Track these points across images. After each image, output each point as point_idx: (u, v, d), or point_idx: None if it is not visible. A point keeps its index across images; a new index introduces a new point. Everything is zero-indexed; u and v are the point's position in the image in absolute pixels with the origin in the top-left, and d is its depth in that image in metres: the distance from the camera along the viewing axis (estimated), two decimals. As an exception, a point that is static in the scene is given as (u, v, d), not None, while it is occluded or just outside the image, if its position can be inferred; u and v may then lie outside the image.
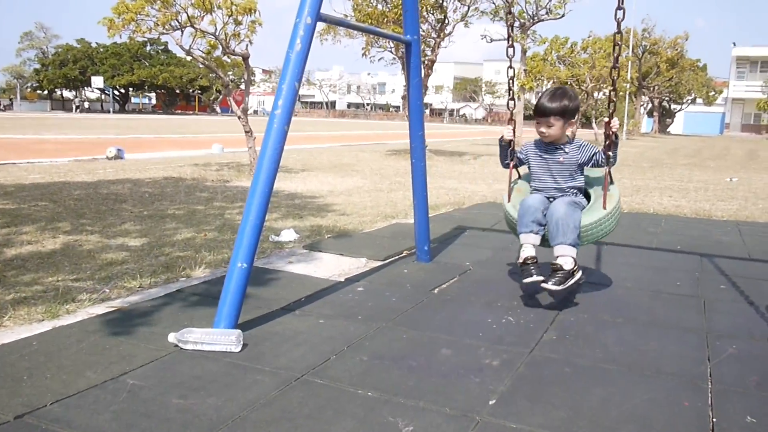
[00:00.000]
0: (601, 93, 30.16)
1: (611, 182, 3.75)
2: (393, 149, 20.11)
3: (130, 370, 2.61)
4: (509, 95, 4.03)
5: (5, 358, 2.68)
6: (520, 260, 3.64)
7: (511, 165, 3.99)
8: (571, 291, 3.99)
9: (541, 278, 3.51)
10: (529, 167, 3.97)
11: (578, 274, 3.57)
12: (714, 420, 2.33)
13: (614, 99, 3.65)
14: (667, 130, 60.98)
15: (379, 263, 4.67)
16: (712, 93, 59.91)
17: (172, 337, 2.89)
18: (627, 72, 33.05)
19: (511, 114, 4.05)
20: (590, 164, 3.78)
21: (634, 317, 3.55)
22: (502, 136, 3.98)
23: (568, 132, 3.78)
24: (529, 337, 3.17)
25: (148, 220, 6.14)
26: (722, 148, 31.49)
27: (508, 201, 3.98)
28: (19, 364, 2.62)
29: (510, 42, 4.07)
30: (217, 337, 2.85)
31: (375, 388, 2.51)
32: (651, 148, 27.70)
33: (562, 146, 3.78)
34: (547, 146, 3.83)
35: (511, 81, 3.99)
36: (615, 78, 3.61)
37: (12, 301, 3.44)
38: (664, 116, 60.58)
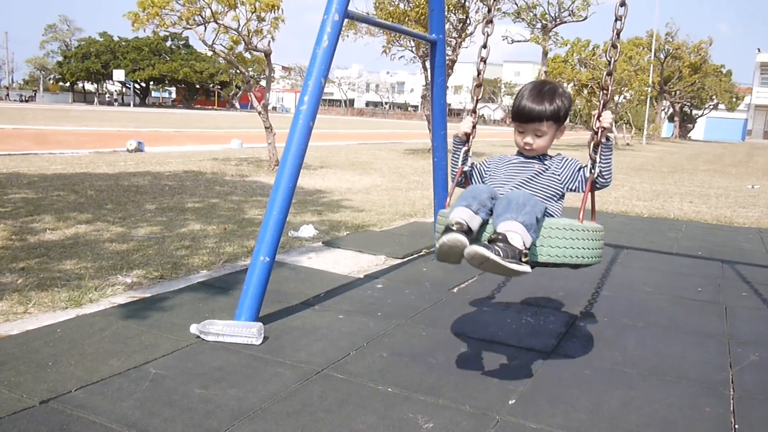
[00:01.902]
0: (621, 96, 29.94)
1: (593, 207, 2.78)
2: (411, 148, 20.11)
3: (152, 359, 2.64)
4: (475, 81, 3.05)
5: (30, 344, 2.73)
6: (447, 225, 2.41)
7: (460, 170, 2.93)
8: (591, 294, 3.98)
9: (464, 240, 2.29)
10: (487, 180, 2.88)
11: (526, 267, 2.27)
12: (736, 427, 2.31)
13: (609, 85, 2.74)
14: (688, 135, 60.36)
15: (398, 261, 4.68)
16: (735, 99, 59.21)
17: (194, 328, 2.92)
18: (648, 76, 32.75)
19: (476, 103, 3.08)
20: (573, 183, 2.74)
21: (654, 322, 3.52)
22: (457, 132, 2.97)
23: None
24: (548, 337, 3.16)
25: (168, 212, 6.19)
26: (744, 154, 31.14)
27: (447, 207, 2.79)
28: (43, 351, 2.66)
29: (489, 16, 3.15)
30: (238, 329, 2.87)
31: (395, 384, 2.52)
32: (671, 153, 27.45)
33: (540, 157, 2.82)
34: (521, 155, 2.85)
35: (481, 62, 3.04)
36: (613, 59, 2.75)
37: (36, 289, 3.49)
38: (685, 121, 59.98)
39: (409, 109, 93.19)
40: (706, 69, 48.97)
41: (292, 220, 5.96)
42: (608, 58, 2.76)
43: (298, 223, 5.78)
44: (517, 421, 2.26)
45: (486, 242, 2.31)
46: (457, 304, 3.67)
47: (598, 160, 2.66)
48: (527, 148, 2.78)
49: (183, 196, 7.32)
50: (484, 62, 3.03)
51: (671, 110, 56.82)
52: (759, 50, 65.05)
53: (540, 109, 2.70)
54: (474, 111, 3.04)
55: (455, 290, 3.97)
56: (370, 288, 3.91)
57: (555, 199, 2.75)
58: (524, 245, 2.31)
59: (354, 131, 34.01)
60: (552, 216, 2.65)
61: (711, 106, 59.40)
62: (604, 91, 2.74)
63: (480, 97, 3.08)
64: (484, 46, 3.03)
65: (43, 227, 5.13)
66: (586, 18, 26.26)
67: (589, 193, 2.70)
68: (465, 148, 2.94)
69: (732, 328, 3.46)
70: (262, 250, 3.12)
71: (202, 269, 4.14)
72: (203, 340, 2.87)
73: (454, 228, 2.35)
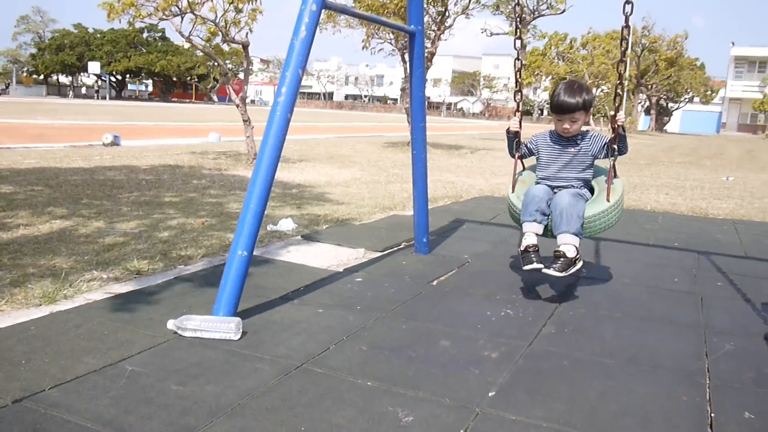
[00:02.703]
0: (599, 90, 30.18)
1: (615, 175, 3.77)
2: (390, 141, 20.08)
3: (128, 356, 2.60)
4: (516, 87, 4.09)
5: (2, 342, 2.67)
6: (521, 248, 3.62)
7: (517, 156, 3.97)
8: (569, 285, 4.01)
9: (541, 265, 3.48)
10: (537, 158, 3.96)
11: (579, 263, 3.57)
12: (712, 415, 2.33)
13: (620, 92, 3.71)
14: (664, 128, 60.99)
15: (378, 254, 4.66)
16: (710, 92, 59.96)
17: (171, 324, 2.88)
18: (626, 69, 33.07)
19: (518, 106, 4.09)
20: (602, 155, 3.77)
21: (632, 312, 3.55)
22: (508, 128, 3.98)
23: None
24: (527, 330, 3.17)
25: (145, 206, 6.12)
26: (718, 147, 31.57)
27: (512, 191, 3.96)
28: (16, 349, 2.61)
29: (518, 34, 4.10)
30: (216, 325, 2.84)
31: (374, 377, 2.51)
32: (648, 146, 27.73)
33: (575, 138, 3.80)
34: (560, 137, 3.83)
35: (518, 73, 4.03)
36: (622, 72, 3.72)
37: (9, 286, 3.42)
38: (661, 114, 60.59)
39: (389, 102, 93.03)
40: (682, 63, 49.53)
41: (271, 214, 5.92)
42: (619, 72, 3.73)
43: (277, 217, 5.74)
44: (497, 414, 2.27)
45: (553, 254, 3.54)
46: (437, 297, 3.67)
47: (617, 147, 3.67)
48: (565, 132, 3.76)
49: (160, 191, 7.24)
50: (520, 72, 4.04)
51: (648, 103, 57.41)
52: (733, 44, 65.88)
53: (573, 103, 3.65)
54: (518, 111, 4.05)
55: (435, 283, 3.97)
56: (349, 282, 3.89)
57: (588, 168, 3.85)
58: (576, 250, 3.54)
59: (333, 124, 33.89)
60: (587, 182, 3.86)
61: (686, 99, 60.10)
62: (619, 96, 3.73)
63: (521, 100, 4.11)
64: (518, 58, 4.00)
65: (17, 223, 5.03)
66: (564, 11, 26.43)
67: (611, 168, 3.76)
68: (516, 140, 3.96)
69: (708, 318, 3.51)
70: (240, 244, 3.09)
71: (180, 264, 4.10)
72: (180, 336, 2.84)
73: (531, 250, 3.55)
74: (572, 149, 3.80)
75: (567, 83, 3.78)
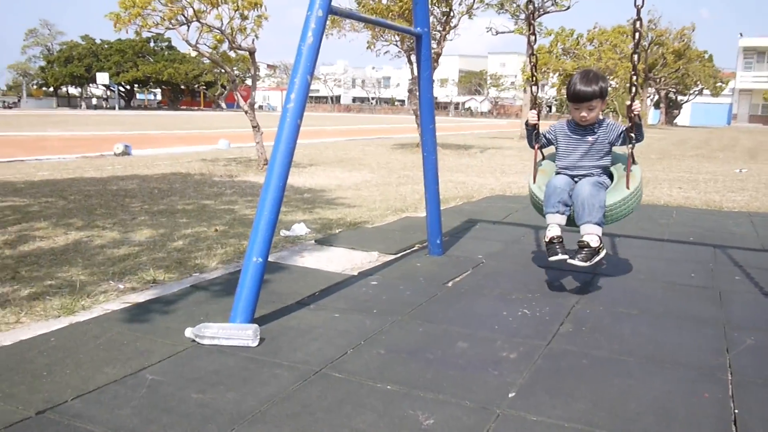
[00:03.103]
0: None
1: (634, 162, 3.84)
2: (399, 143, 20.08)
3: (148, 365, 2.61)
4: (532, 80, 4.19)
5: (24, 354, 2.69)
6: (546, 239, 3.71)
7: (536, 147, 4.05)
8: (585, 282, 4.00)
9: (566, 256, 3.58)
10: (557, 147, 4.03)
11: (603, 252, 3.67)
12: (736, 411, 2.31)
13: (636, 83, 3.75)
14: (674, 121, 60.61)
15: (392, 257, 4.66)
16: (719, 84, 59.47)
17: (188, 332, 2.89)
18: (639, 60, 32.80)
19: (535, 98, 4.16)
20: (619, 142, 3.86)
21: (649, 309, 3.53)
22: (527, 121, 4.06)
23: None
24: (545, 329, 3.16)
25: (158, 215, 6.15)
26: (730, 139, 31.33)
27: (534, 182, 4.03)
28: (37, 360, 2.63)
29: (531, 29, 4.16)
30: (233, 332, 2.85)
31: (393, 381, 2.51)
32: (658, 140, 27.57)
33: (592, 127, 3.87)
34: (577, 126, 3.91)
35: (533, 68, 4.13)
36: (636, 63, 3.74)
37: (27, 298, 3.45)
38: (670, 108, 60.22)
39: (396, 103, 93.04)
40: (690, 55, 49.15)
41: (284, 219, 5.94)
42: (633, 62, 3.74)
43: (290, 222, 5.75)
44: (517, 414, 2.26)
45: (577, 245, 3.63)
46: (452, 299, 3.66)
47: (634, 136, 3.75)
48: (583, 120, 3.83)
49: (173, 199, 7.28)
50: (535, 67, 4.16)
51: (657, 97, 57.05)
52: (741, 35, 65.41)
53: (590, 91, 3.71)
54: (535, 103, 4.11)
55: (450, 284, 3.96)
56: (364, 285, 3.89)
57: (607, 155, 3.91)
58: (600, 240, 3.63)
59: (342, 127, 33.93)
60: (606, 168, 3.93)
61: (696, 92, 59.62)
62: (634, 86, 3.75)
63: (537, 93, 4.18)
64: (532, 53, 4.17)
65: (33, 235, 5.07)
66: (569, 8, 26.29)
67: (630, 156, 3.83)
68: (535, 132, 4.05)
69: (727, 313, 3.48)
70: (255, 250, 3.10)
71: (195, 272, 4.11)
72: (198, 343, 2.85)
73: (555, 242, 3.64)
74: (590, 138, 3.87)
75: (583, 72, 3.85)
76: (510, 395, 2.41)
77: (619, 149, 3.99)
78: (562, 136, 3.98)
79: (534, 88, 4.18)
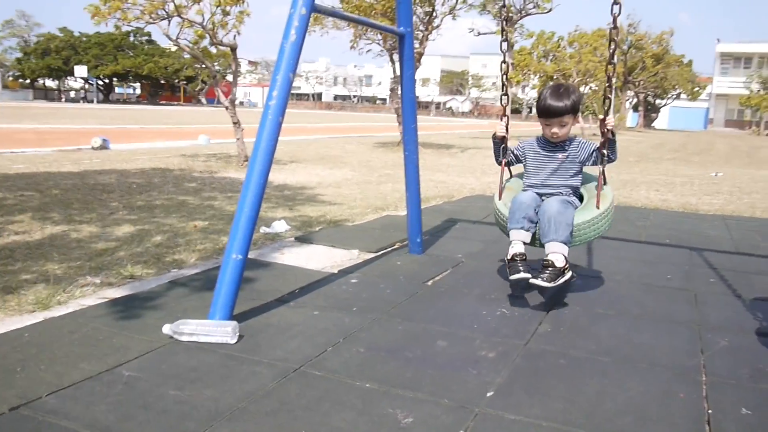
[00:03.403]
0: (587, 87, 30.29)
1: (605, 182, 3.67)
2: (380, 141, 20.08)
3: (125, 361, 2.58)
4: (502, 90, 3.93)
5: (-3, 349, 2.65)
6: (508, 257, 3.49)
7: (503, 162, 3.84)
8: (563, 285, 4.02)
9: (528, 275, 3.35)
10: (525, 164, 3.84)
11: (568, 274, 3.42)
12: (709, 412, 2.35)
13: (609, 96, 3.54)
14: (652, 124, 61.34)
15: (372, 255, 4.66)
16: (697, 89, 60.32)
17: (167, 329, 2.87)
18: (614, 73, 33.07)
19: (504, 110, 3.92)
20: (590, 162, 3.67)
21: (626, 310, 3.57)
22: (494, 133, 3.83)
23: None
24: (523, 329, 3.18)
25: (137, 210, 6.09)
26: (706, 143, 31.77)
27: (499, 199, 3.82)
28: (11, 356, 2.59)
29: (504, 36, 3.95)
30: (212, 329, 2.83)
31: (372, 379, 2.51)
32: (636, 143, 27.88)
33: (563, 144, 3.68)
34: (548, 143, 3.71)
35: (504, 76, 3.89)
36: (611, 74, 3.54)
37: (1, 292, 3.40)
38: (649, 111, 60.93)
39: (378, 102, 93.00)
40: (668, 59, 49.78)
41: (264, 216, 5.90)
42: (608, 74, 3.55)
43: (270, 219, 5.73)
44: (495, 413, 2.27)
45: (541, 264, 3.39)
46: (433, 297, 3.67)
47: (607, 152, 3.55)
48: (554, 137, 3.63)
49: (151, 194, 7.21)
50: (506, 75, 3.88)
51: (635, 100, 57.71)
52: (718, 40, 66.32)
53: (561, 106, 3.52)
54: (504, 115, 3.82)
55: (430, 283, 3.97)
56: (344, 283, 3.89)
57: (577, 175, 3.73)
58: (565, 259, 3.40)
59: (323, 125, 33.84)
60: (577, 189, 3.73)
61: (674, 96, 60.44)
62: (608, 99, 3.55)
63: (508, 104, 3.92)
64: (504, 60, 3.89)
65: (8, 228, 4.99)
66: (551, 10, 26.51)
67: (601, 175, 3.63)
68: (503, 145, 3.82)
69: (702, 315, 3.53)
70: (235, 247, 3.08)
71: (173, 268, 4.08)
72: (177, 340, 2.82)
73: (518, 259, 3.42)
74: (560, 155, 3.67)
75: (553, 86, 3.65)
76: (488, 394, 2.42)
77: (590, 169, 3.80)
78: (532, 153, 3.77)
79: (504, 99, 3.92)
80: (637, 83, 50.76)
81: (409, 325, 3.18)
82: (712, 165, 16.11)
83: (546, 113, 3.57)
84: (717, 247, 5.36)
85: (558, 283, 3.35)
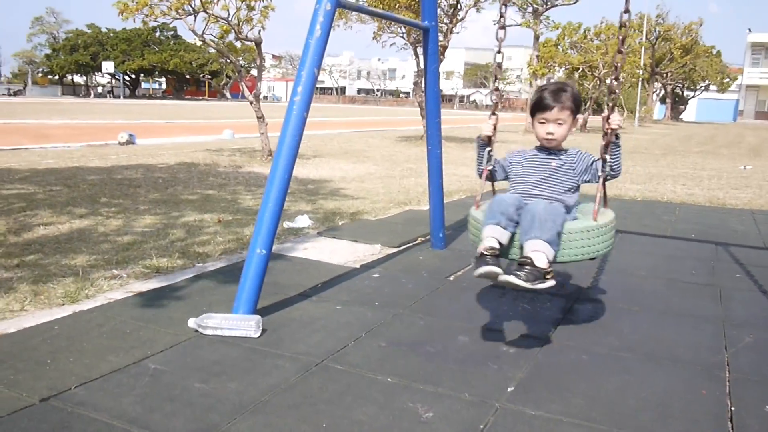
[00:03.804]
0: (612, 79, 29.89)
1: (605, 202, 3.10)
2: (404, 135, 20.06)
3: (151, 354, 2.64)
4: (494, 84, 3.42)
5: (27, 342, 2.72)
6: (478, 252, 2.76)
7: (485, 170, 3.22)
8: (586, 279, 4.00)
9: (498, 270, 2.64)
10: (511, 176, 3.23)
11: (551, 281, 2.67)
12: (732, 409, 2.33)
13: (615, 90, 3.13)
14: (680, 117, 60.41)
15: (394, 250, 4.68)
16: (726, 80, 59.21)
17: (192, 323, 2.92)
18: (640, 58, 32.64)
19: (495, 106, 3.34)
20: (588, 175, 3.07)
21: (649, 306, 3.55)
22: (479, 134, 3.24)
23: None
24: (545, 324, 3.18)
25: (162, 205, 6.17)
26: (736, 135, 31.21)
27: (476, 208, 3.13)
28: (41, 348, 2.66)
29: (501, 23, 3.38)
30: (236, 323, 2.88)
31: (394, 374, 2.53)
32: (663, 135, 27.49)
33: (556, 152, 3.13)
34: (540, 150, 3.17)
35: (497, 68, 3.34)
36: (619, 65, 3.13)
37: (31, 285, 3.48)
38: (676, 103, 60.00)
39: (401, 95, 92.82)
40: (697, 50, 48.93)
41: (287, 211, 5.95)
42: (614, 63, 3.12)
43: (293, 214, 5.77)
44: (516, 408, 2.28)
45: (517, 262, 2.70)
46: (454, 292, 3.68)
47: (608, 158, 2.98)
48: (549, 137, 3.07)
49: (177, 188, 7.30)
50: (500, 67, 3.33)
51: (663, 92, 56.85)
52: (750, 30, 64.98)
53: (559, 97, 3.03)
54: (494, 113, 3.27)
55: (452, 278, 3.98)
56: (366, 278, 3.92)
57: (571, 191, 3.08)
58: (548, 262, 2.68)
59: (346, 119, 33.90)
60: (570, 208, 3.03)
61: (702, 88, 59.41)
62: (612, 95, 3.12)
63: (499, 101, 3.39)
64: (499, 51, 3.33)
65: (37, 223, 5.10)
66: (577, 1, 26.19)
67: (601, 187, 3.01)
68: (488, 149, 3.22)
69: (727, 311, 3.49)
70: (259, 242, 3.12)
71: (198, 262, 4.14)
72: (201, 334, 2.87)
73: (488, 254, 2.70)
74: (553, 162, 3.10)
75: (554, 83, 3.25)
76: (509, 389, 2.43)
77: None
78: (520, 160, 3.20)
79: (494, 95, 3.44)
80: (664, 75, 50.00)
81: (431, 320, 3.20)
82: (741, 158, 15.83)
83: (541, 106, 3.07)
84: (744, 242, 5.29)
85: (536, 286, 2.61)
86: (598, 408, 2.31)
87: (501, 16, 3.43)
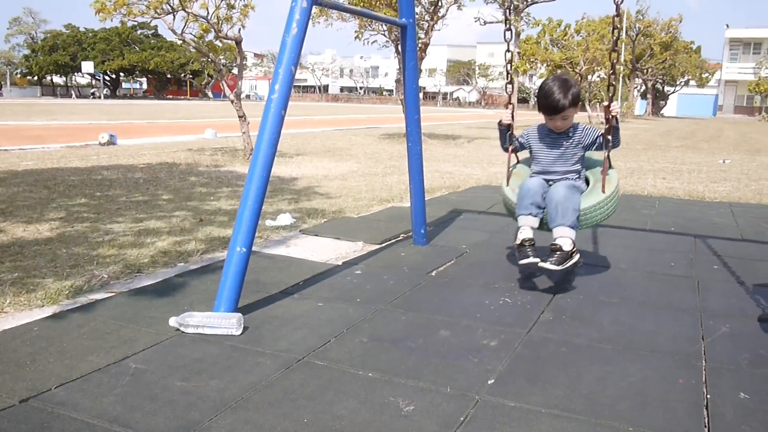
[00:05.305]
0: (595, 75, 30.13)
1: (610, 166, 3.77)
2: (387, 133, 20.07)
3: (132, 354, 2.63)
4: (507, 79, 4.09)
5: (7, 343, 2.70)
6: (518, 242, 3.61)
7: (510, 149, 3.98)
8: (567, 272, 4.04)
9: (537, 259, 3.48)
10: (530, 151, 3.97)
11: (576, 257, 3.54)
12: (708, 396, 2.37)
13: (613, 83, 3.70)
14: (661, 112, 60.96)
15: (376, 246, 4.69)
16: (706, 75, 59.86)
17: (173, 321, 2.91)
18: (621, 54, 32.87)
19: (509, 98, 4.09)
20: (594, 147, 3.79)
21: (629, 298, 3.59)
22: (500, 120, 3.96)
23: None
24: (526, 317, 3.21)
25: (143, 205, 6.14)
26: (715, 130, 31.57)
27: (507, 185, 3.95)
28: (21, 350, 2.64)
29: (507, 25, 4.06)
30: (217, 321, 2.87)
31: (375, 369, 2.55)
32: (644, 131, 27.74)
33: (567, 131, 3.79)
34: (551, 130, 3.84)
35: (509, 65, 4.02)
36: (614, 61, 3.66)
37: (11, 287, 3.45)
38: (657, 98, 60.57)
39: (384, 93, 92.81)
40: (677, 46, 49.45)
41: (269, 209, 5.95)
42: (611, 61, 3.65)
43: (275, 212, 5.76)
44: (496, 401, 2.31)
45: (549, 248, 3.52)
46: (436, 288, 3.70)
47: (611, 138, 3.68)
48: (557, 129, 3.78)
49: (157, 188, 7.26)
50: (511, 64, 4.00)
51: (644, 88, 57.37)
52: (728, 26, 65.79)
53: (563, 103, 3.63)
54: (510, 103, 4.02)
55: (433, 273, 4.00)
56: (348, 274, 3.92)
57: (581, 161, 3.85)
58: (573, 244, 3.51)
59: (329, 117, 33.84)
60: (580, 172, 3.85)
61: (682, 83, 60.02)
62: (612, 86, 3.68)
63: (513, 92, 4.08)
64: (508, 49, 3.99)
65: (16, 225, 5.06)
66: (557, -2, 26.28)
67: (606, 159, 3.72)
68: (509, 132, 3.95)
69: (704, 302, 3.54)
70: (239, 240, 3.12)
71: (180, 262, 4.12)
72: (182, 332, 2.87)
73: (527, 244, 3.54)
74: (564, 142, 3.79)
75: (553, 81, 3.72)
76: (489, 382, 2.46)
77: (596, 153, 3.93)
78: (536, 140, 3.91)
79: (509, 87, 4.11)
80: (645, 70, 50.45)
81: (412, 315, 3.21)
82: (721, 152, 16.02)
83: (549, 110, 3.70)
84: (722, 235, 5.36)
85: (566, 266, 3.49)
86: (577, 398, 2.34)
87: (506, 19, 4.12)
